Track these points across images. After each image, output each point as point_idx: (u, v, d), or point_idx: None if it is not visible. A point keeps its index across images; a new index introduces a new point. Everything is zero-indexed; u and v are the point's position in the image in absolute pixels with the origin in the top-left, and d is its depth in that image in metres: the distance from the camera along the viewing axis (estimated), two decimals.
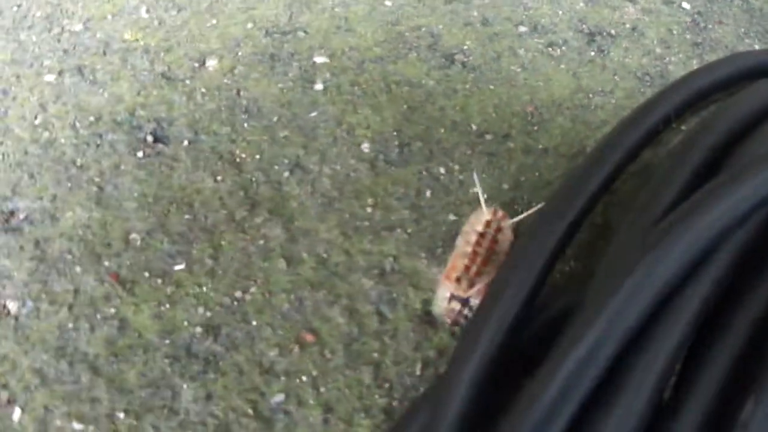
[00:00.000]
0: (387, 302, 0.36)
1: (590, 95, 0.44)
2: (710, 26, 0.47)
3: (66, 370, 0.35)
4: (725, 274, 0.31)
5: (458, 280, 0.34)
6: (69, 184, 0.41)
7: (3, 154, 0.43)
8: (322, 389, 0.34)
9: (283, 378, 0.35)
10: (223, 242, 0.39)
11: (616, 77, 0.45)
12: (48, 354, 0.36)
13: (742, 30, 0.47)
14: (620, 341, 0.29)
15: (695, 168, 0.35)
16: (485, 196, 0.37)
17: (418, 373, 0.34)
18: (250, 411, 0.34)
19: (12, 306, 0.37)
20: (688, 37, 0.47)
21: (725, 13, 0.48)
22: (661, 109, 0.40)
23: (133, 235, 0.39)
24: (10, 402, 0.34)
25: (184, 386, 0.34)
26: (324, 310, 0.36)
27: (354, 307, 0.36)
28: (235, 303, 0.37)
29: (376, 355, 0.35)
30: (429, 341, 0.35)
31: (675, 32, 0.47)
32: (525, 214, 0.36)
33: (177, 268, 0.38)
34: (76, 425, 0.34)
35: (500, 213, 0.36)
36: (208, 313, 0.36)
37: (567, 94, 0.44)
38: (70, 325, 0.37)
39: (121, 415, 0.34)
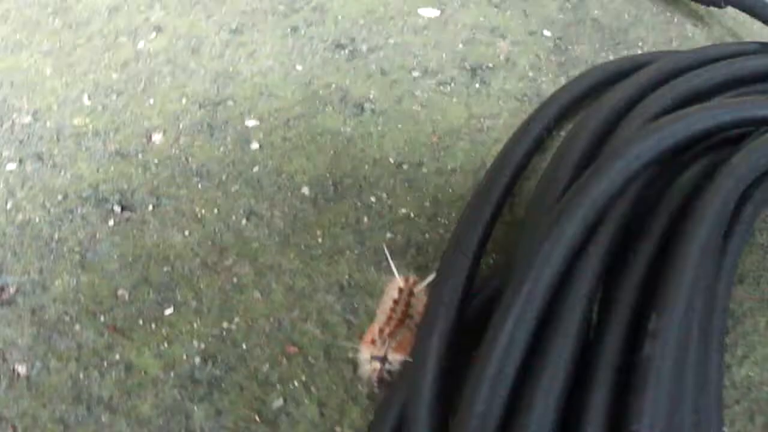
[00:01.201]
0: (351, 311, 0.40)
1: (481, 120, 0.50)
2: (570, 47, 0.55)
3: (85, 414, 0.37)
4: (614, 237, 0.37)
5: (373, 341, 0.36)
6: (52, 256, 0.43)
7: None
8: (313, 389, 0.38)
9: (278, 386, 0.38)
10: (201, 285, 0.42)
11: (500, 102, 0.51)
12: (65, 403, 0.37)
13: (597, 46, 0.55)
14: (544, 299, 0.34)
15: (578, 157, 0.42)
16: (394, 265, 0.39)
17: None
18: (257, 417, 0.37)
19: (21, 369, 0.39)
20: (553, 59, 0.54)
21: (581, 34, 0.56)
22: (541, 121, 0.46)
23: (121, 291, 0.41)
24: None
25: (195, 408, 0.37)
26: (300, 326, 0.40)
27: (325, 320, 0.40)
28: (224, 332, 0.40)
29: (351, 354, 0.38)
30: None
31: (542, 57, 0.54)
32: (433, 275, 0.38)
33: (167, 312, 0.41)
34: None
35: (412, 279, 0.38)
36: (203, 345, 0.39)
37: (462, 121, 0.50)
38: (81, 375, 0.38)
39: None
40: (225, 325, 0.40)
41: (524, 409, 0.31)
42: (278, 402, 0.37)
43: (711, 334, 0.34)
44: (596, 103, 0.47)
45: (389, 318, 0.37)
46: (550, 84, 0.52)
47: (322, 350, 0.39)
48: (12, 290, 0.42)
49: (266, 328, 0.40)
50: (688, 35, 0.58)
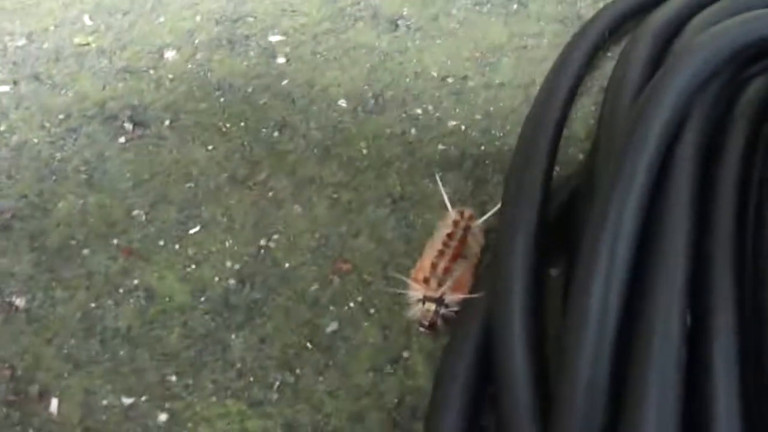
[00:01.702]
0: (407, 225, 0.33)
1: (524, 38, 0.43)
2: None
3: (99, 349, 0.29)
4: (704, 128, 0.31)
5: (426, 280, 0.29)
6: (54, 177, 0.35)
7: None
8: (372, 311, 0.30)
9: (331, 307, 0.30)
10: (232, 201, 0.34)
11: (540, 23, 0.44)
12: (74, 338, 0.30)
13: None
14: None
15: (646, 58, 0.35)
16: (447, 197, 0.33)
17: None
18: (308, 344, 0.29)
19: (19, 301, 0.31)
20: None
21: None
22: (593, 33, 0.40)
23: (136, 211, 0.34)
24: (44, 394, 0.28)
25: (233, 336, 0.30)
26: (351, 242, 0.33)
27: (378, 235, 0.33)
28: (262, 251, 0.32)
29: (412, 272, 0.31)
30: None
31: None
32: (492, 212, 0.32)
33: (192, 231, 0.33)
34: (126, 399, 0.28)
35: (467, 213, 0.32)
36: (237, 266, 0.32)
37: (504, 39, 0.43)
38: (92, 305, 0.31)
39: (173, 377, 0.29)
40: (262, 242, 0.33)
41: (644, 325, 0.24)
42: (333, 325, 0.30)
43: None
44: (653, 14, 0.40)
45: (442, 253, 0.30)
46: (588, 8, 0.46)
47: (379, 267, 0.32)
48: (7, 216, 0.34)
49: (311, 244, 0.32)
50: None
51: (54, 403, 0.28)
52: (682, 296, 0.25)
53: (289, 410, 0.28)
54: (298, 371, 0.29)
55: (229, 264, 0.32)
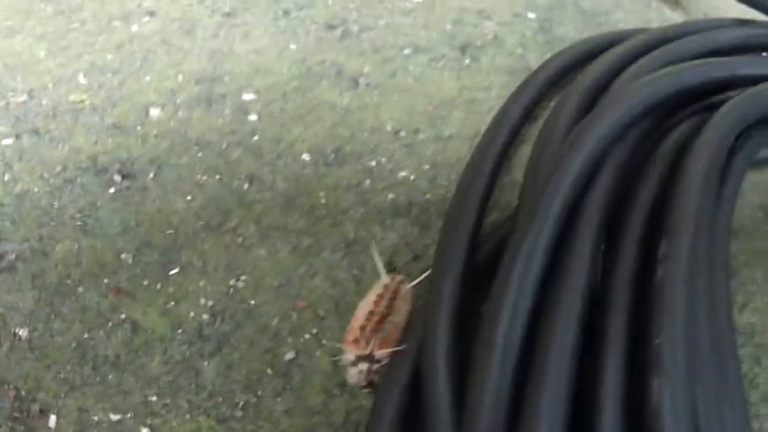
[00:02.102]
0: (358, 267, 0.38)
1: (474, 91, 0.49)
2: (554, 28, 0.54)
3: (91, 373, 0.34)
4: (615, 179, 0.36)
5: (356, 341, 0.31)
6: (52, 224, 0.40)
7: None
8: (324, 341, 0.35)
9: (289, 339, 0.35)
10: (206, 246, 0.39)
11: (490, 76, 0.50)
12: (71, 364, 0.35)
13: (580, 26, 0.54)
14: (552, 236, 0.32)
15: (573, 114, 0.40)
16: (382, 262, 0.36)
17: None
18: (269, 371, 0.34)
19: (23, 332, 0.36)
20: (539, 38, 0.53)
21: (564, 17, 0.55)
22: (531, 89, 0.45)
23: (124, 255, 0.39)
24: (44, 412, 0.33)
25: (205, 364, 0.35)
26: (308, 282, 0.38)
27: (333, 276, 0.38)
28: (231, 290, 0.37)
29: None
30: None
31: (528, 36, 0.53)
32: (422, 277, 0.35)
33: (171, 273, 0.38)
34: (114, 416, 0.33)
35: (398, 278, 0.35)
36: (210, 302, 0.37)
37: (455, 93, 0.48)
38: (86, 336, 0.36)
39: (154, 398, 0.33)
40: (232, 282, 0.38)
41: (544, 341, 0.29)
42: (290, 354, 0.35)
43: (716, 263, 0.33)
44: (586, 69, 0.46)
45: (370, 313, 0.32)
46: (537, 60, 0.51)
47: (333, 304, 0.37)
48: (12, 257, 0.39)
49: (274, 284, 0.38)
50: (666, 18, 0.57)
51: (53, 419, 0.33)
52: (576, 334, 0.30)
53: (252, 426, 0.33)
54: (259, 393, 0.34)
55: (203, 301, 0.37)
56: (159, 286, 0.38)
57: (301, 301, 0.37)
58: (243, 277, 0.38)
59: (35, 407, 0.33)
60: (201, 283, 0.38)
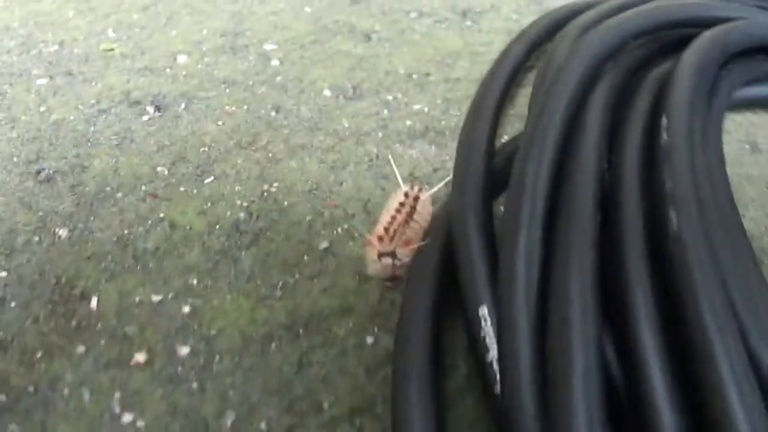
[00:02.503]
0: (382, 178, 0.40)
1: (477, 47, 0.51)
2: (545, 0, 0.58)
3: (131, 263, 0.35)
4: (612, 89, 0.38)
5: (380, 239, 0.33)
6: (89, 144, 0.42)
7: (17, 135, 0.42)
8: (356, 234, 0.37)
9: (323, 231, 0.37)
10: (239, 160, 0.41)
11: (490, 34, 0.53)
12: (111, 255, 0.36)
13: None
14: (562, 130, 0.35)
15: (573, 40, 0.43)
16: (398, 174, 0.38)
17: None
18: (305, 257, 0.36)
19: (62, 232, 0.37)
20: (532, 7, 0.56)
21: None
22: (533, 31, 0.48)
23: (160, 168, 0.40)
24: (84, 295, 0.34)
25: (243, 253, 0.36)
26: (336, 188, 0.39)
27: (359, 184, 0.40)
28: (265, 193, 0.39)
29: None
30: None
31: (522, 4, 0.57)
32: (440, 185, 0.37)
33: (207, 181, 0.40)
34: (155, 297, 0.34)
35: (417, 187, 0.36)
36: (245, 203, 0.38)
37: (460, 47, 0.51)
38: (125, 232, 0.37)
39: (194, 281, 0.35)
40: (265, 188, 0.39)
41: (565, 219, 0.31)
42: (324, 244, 0.36)
43: (711, 143, 0.35)
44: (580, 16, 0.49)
45: (392, 218, 0.34)
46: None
47: (361, 205, 0.38)
48: (50, 171, 0.40)
49: (305, 188, 0.39)
50: None
51: (94, 301, 0.34)
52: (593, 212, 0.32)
53: (291, 303, 0.34)
54: (296, 275, 0.35)
55: (238, 203, 0.38)
56: (195, 191, 0.39)
57: (331, 202, 0.39)
58: (275, 184, 0.39)
59: (76, 292, 0.34)
60: (236, 188, 0.39)
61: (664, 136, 0.32)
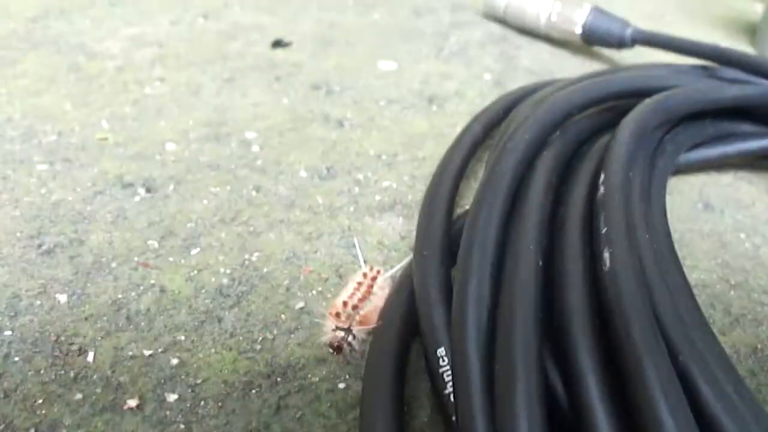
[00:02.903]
0: (353, 247, 0.46)
1: (442, 128, 0.58)
2: (507, 83, 0.65)
3: (125, 322, 0.40)
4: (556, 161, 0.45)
5: (338, 315, 0.37)
6: (86, 221, 0.47)
7: (20, 214, 0.47)
8: (329, 295, 0.42)
9: (299, 293, 0.42)
10: (222, 234, 0.46)
11: (455, 117, 0.60)
12: (106, 316, 0.40)
13: (530, 82, 0.65)
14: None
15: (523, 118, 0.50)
16: (363, 257, 0.44)
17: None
18: (283, 316, 0.40)
19: (62, 297, 0.41)
20: (495, 91, 0.64)
21: (516, 77, 0.67)
22: (490, 111, 0.55)
23: (150, 241, 0.45)
24: (82, 350, 0.38)
25: (226, 313, 0.41)
26: (312, 255, 0.45)
27: (332, 252, 0.45)
28: (246, 262, 0.44)
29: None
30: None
31: (485, 90, 0.64)
32: (398, 266, 0.42)
33: (193, 252, 0.45)
34: (146, 351, 0.38)
35: (377, 268, 0.40)
36: (228, 270, 0.43)
37: (426, 129, 0.58)
38: (120, 296, 0.41)
39: (182, 337, 0.39)
40: (246, 257, 0.44)
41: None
42: (300, 303, 0.41)
43: (655, 198, 0.42)
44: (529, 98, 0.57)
45: (351, 295, 0.38)
46: None
47: (333, 270, 0.44)
48: (51, 245, 0.45)
49: (283, 257, 0.44)
50: None
51: (90, 355, 0.38)
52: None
53: (269, 355, 0.38)
54: (275, 332, 0.39)
55: (222, 270, 0.43)
56: (183, 261, 0.44)
57: (307, 268, 0.44)
58: (256, 254, 0.45)
59: (74, 347, 0.38)
60: (220, 258, 0.44)
61: (601, 189, 0.38)
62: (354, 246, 0.45)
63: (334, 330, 0.37)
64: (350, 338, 0.37)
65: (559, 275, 0.37)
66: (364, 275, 0.40)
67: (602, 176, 0.39)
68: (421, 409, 0.36)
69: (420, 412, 0.36)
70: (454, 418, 0.33)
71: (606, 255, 0.33)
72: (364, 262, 0.43)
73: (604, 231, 0.35)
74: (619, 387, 0.30)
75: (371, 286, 0.39)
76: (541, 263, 0.37)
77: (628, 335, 0.31)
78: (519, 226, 0.39)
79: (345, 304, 0.37)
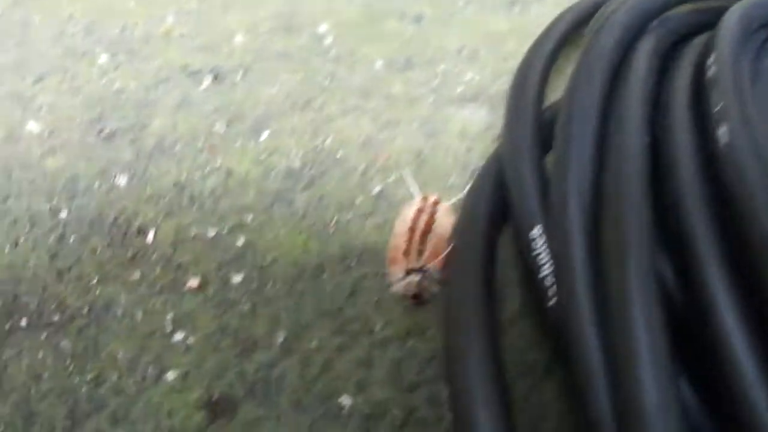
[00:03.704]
0: (434, 137, 0.41)
1: (526, 27, 0.52)
2: None
3: (188, 203, 0.37)
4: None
5: (405, 253, 0.30)
6: (149, 107, 0.44)
7: (81, 102, 0.45)
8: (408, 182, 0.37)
9: (375, 178, 0.38)
10: (294, 119, 0.42)
11: (538, 19, 0.53)
12: (168, 197, 0.37)
13: None
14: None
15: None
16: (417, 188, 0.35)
17: None
18: (358, 200, 0.37)
19: (122, 179, 0.39)
20: None
21: None
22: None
23: (217, 126, 0.42)
24: (142, 231, 0.35)
25: (297, 196, 0.37)
26: (389, 143, 0.40)
27: (410, 140, 0.41)
28: (319, 147, 0.40)
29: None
30: None
31: None
32: (457, 197, 0.34)
33: (263, 137, 0.41)
34: (210, 231, 0.35)
35: (433, 198, 0.33)
36: (300, 153, 0.40)
37: (508, 28, 0.52)
38: (183, 177, 0.38)
39: (249, 218, 0.36)
40: (319, 141, 0.40)
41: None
42: (377, 188, 0.37)
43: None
44: None
45: (412, 231, 0.31)
46: None
47: (413, 157, 0.39)
48: (111, 129, 0.42)
49: (359, 142, 0.40)
50: None
51: (150, 235, 0.35)
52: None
53: (344, 237, 0.34)
54: (350, 215, 0.36)
55: (293, 153, 0.40)
56: (251, 144, 0.40)
57: (384, 154, 0.39)
58: (329, 139, 0.41)
59: (133, 228, 0.35)
60: (291, 142, 0.40)
61: (712, 69, 0.33)
62: (437, 134, 0.41)
63: (404, 276, 0.30)
64: (426, 282, 0.30)
65: (671, 151, 0.31)
66: (420, 207, 0.32)
67: (712, 57, 0.33)
68: (510, 299, 0.31)
69: (509, 303, 0.31)
70: (550, 303, 0.28)
71: (722, 130, 0.28)
72: (419, 191, 0.34)
73: (717, 108, 0.30)
74: (738, 265, 0.25)
75: (434, 214, 0.32)
76: (647, 140, 0.31)
77: (753, 210, 0.26)
78: (623, 101, 0.34)
79: (408, 244, 0.30)
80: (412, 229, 0.31)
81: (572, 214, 0.29)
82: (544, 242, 0.30)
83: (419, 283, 0.30)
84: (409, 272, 0.30)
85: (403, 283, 0.30)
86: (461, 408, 0.25)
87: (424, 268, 0.30)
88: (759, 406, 0.22)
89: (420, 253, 0.30)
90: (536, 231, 0.31)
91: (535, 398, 0.28)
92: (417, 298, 0.30)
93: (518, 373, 0.29)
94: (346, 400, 0.28)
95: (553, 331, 0.28)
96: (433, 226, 0.31)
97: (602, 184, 0.30)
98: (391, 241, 0.31)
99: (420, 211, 0.32)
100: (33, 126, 0.43)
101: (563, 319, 0.27)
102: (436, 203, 0.32)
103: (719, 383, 0.23)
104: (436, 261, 0.30)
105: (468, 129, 0.41)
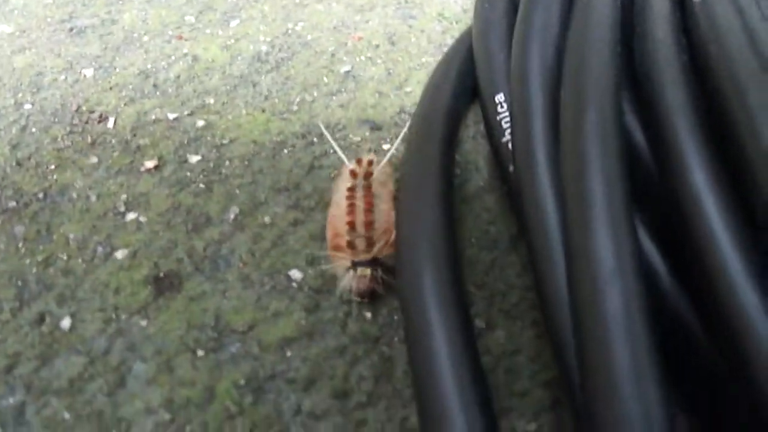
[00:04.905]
0: (410, 17, 0.38)
1: None
2: None
3: (152, 89, 0.35)
4: None
5: (350, 244, 0.24)
6: (120, 2, 0.41)
7: (52, 1, 0.42)
8: (379, 61, 0.35)
9: (345, 58, 0.35)
10: (265, 7, 0.40)
11: None
12: (132, 85, 0.35)
13: None
14: None
15: None
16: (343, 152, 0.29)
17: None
18: (325, 79, 0.34)
19: (88, 71, 0.36)
20: None
21: None
22: None
23: (188, 17, 0.39)
24: (103, 117, 0.33)
25: (262, 78, 0.34)
26: (363, 24, 0.37)
27: (386, 22, 0.37)
28: (289, 31, 0.37)
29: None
30: None
31: None
32: (396, 143, 0.28)
33: (233, 24, 0.38)
34: (171, 115, 0.33)
35: (365, 159, 0.26)
36: (269, 38, 0.37)
37: None
38: (149, 66, 0.36)
39: (212, 101, 0.33)
40: (290, 26, 0.38)
41: None
42: (346, 67, 0.34)
43: None
44: None
45: (351, 206, 0.25)
46: None
47: (386, 37, 0.36)
48: (81, 26, 0.40)
49: (330, 25, 0.37)
50: None
51: (111, 121, 0.33)
52: None
53: (307, 116, 0.32)
54: (315, 94, 0.33)
55: (262, 38, 0.37)
56: (220, 32, 0.38)
57: (356, 35, 0.36)
58: (300, 23, 0.38)
59: (94, 115, 0.33)
60: (261, 28, 0.38)
61: None
62: (413, 16, 0.37)
63: (351, 268, 0.24)
64: (380, 273, 0.24)
65: (642, 8, 0.27)
66: (353, 173, 0.26)
67: None
68: (475, 171, 0.29)
69: (474, 175, 0.28)
70: (511, 168, 0.25)
71: None
72: (344, 155, 0.28)
73: None
74: (711, 125, 0.22)
75: (369, 186, 0.25)
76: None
77: (729, 64, 0.22)
78: None
79: (351, 226, 0.24)
80: (351, 208, 0.25)
81: (533, 74, 0.26)
82: (508, 108, 0.27)
83: (371, 277, 0.24)
84: (356, 265, 0.24)
85: (348, 278, 0.24)
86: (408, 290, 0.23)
87: (376, 259, 0.24)
88: (730, 266, 0.19)
89: (369, 242, 0.24)
90: (500, 96, 0.28)
91: (497, 272, 0.26)
92: (370, 296, 0.24)
93: (481, 247, 0.26)
94: (296, 274, 0.26)
95: (515, 200, 0.25)
96: (374, 195, 0.25)
97: (566, 44, 0.27)
98: (329, 228, 0.26)
99: (353, 186, 0.25)
100: (4, 27, 0.41)
101: (521, 184, 0.24)
102: (368, 170, 0.26)
103: (687, 241, 0.20)
104: (388, 251, 0.24)
105: (446, 11, 0.38)
